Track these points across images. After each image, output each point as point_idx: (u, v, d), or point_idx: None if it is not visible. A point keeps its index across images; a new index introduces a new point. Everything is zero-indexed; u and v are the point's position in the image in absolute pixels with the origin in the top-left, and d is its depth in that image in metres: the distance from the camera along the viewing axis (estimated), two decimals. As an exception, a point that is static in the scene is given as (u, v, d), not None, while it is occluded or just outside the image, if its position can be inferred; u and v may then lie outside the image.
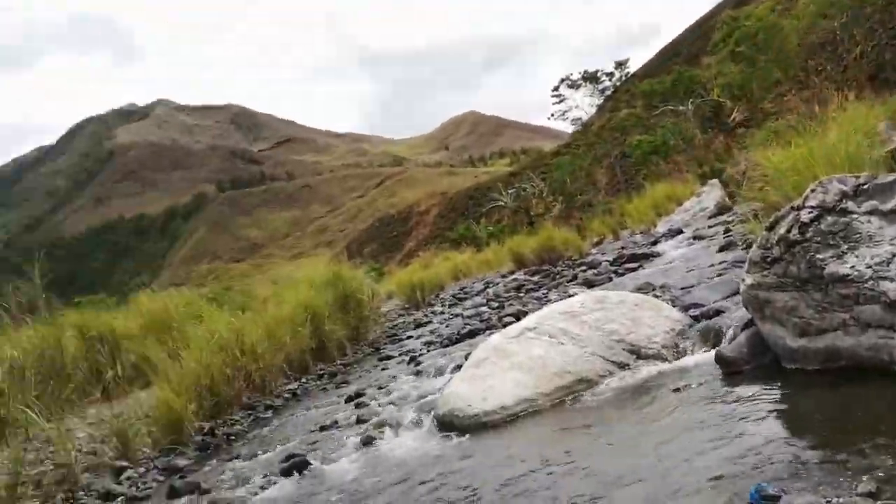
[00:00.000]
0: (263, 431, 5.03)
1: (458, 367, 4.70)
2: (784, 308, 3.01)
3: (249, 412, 5.68)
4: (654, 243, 10.72)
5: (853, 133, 4.59)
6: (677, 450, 2.51)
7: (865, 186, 2.97)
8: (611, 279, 7.61)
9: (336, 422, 4.56)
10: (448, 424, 3.72)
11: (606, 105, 57.05)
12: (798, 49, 20.52)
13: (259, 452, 4.30)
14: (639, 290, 5.41)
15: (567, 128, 65.46)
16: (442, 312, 10.31)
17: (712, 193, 13.04)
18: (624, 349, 3.92)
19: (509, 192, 37.01)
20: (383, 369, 6.48)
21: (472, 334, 6.66)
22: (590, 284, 7.54)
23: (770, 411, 2.65)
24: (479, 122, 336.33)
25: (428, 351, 6.67)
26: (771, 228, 3.16)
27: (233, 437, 5.00)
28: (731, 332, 3.56)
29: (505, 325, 5.73)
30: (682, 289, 5.31)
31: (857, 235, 2.83)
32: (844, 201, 2.94)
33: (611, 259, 9.54)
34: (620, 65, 60.19)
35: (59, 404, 4.92)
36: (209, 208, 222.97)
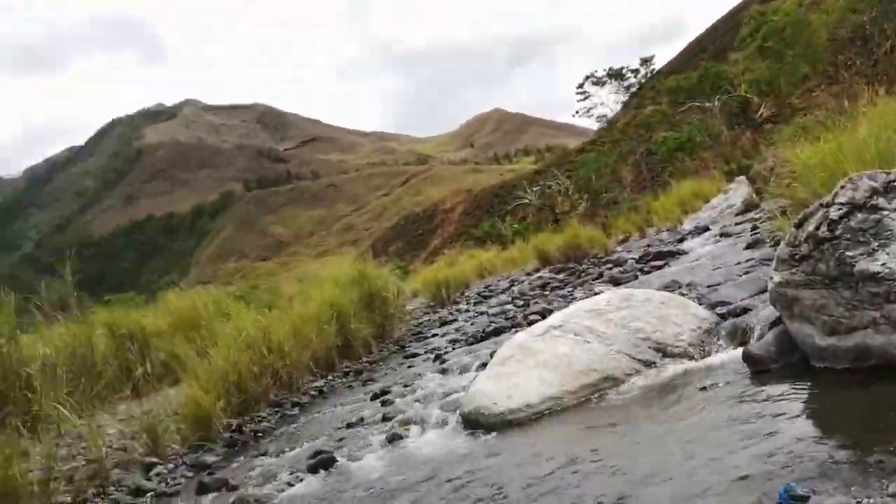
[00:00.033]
0: (290, 428, 5.06)
1: (484, 365, 4.69)
2: (813, 306, 2.98)
3: (276, 409, 5.73)
4: (681, 241, 10.65)
5: (884, 128, 4.49)
6: (704, 448, 2.49)
7: (896, 183, 2.92)
8: (637, 277, 7.58)
9: (362, 419, 4.58)
10: (474, 422, 3.72)
11: (632, 102, 56.76)
12: (827, 44, 20.25)
13: (286, 449, 4.33)
14: (665, 287, 5.37)
15: (592, 125, 65.41)
16: (467, 310, 10.31)
17: (739, 190, 12.89)
18: (650, 347, 3.90)
19: (534, 189, 36.91)
20: (409, 367, 6.49)
21: (498, 332, 6.65)
22: (616, 282, 7.50)
23: (799, 410, 2.62)
24: (504, 119, 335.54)
25: (453, 349, 6.66)
26: (799, 226, 3.12)
27: (260, 434, 5.04)
28: (758, 330, 3.52)
29: (530, 323, 5.72)
30: (709, 287, 5.26)
31: (888, 232, 2.78)
32: (875, 198, 2.90)
33: (637, 257, 9.49)
34: (646, 61, 59.94)
35: (90, 401, 4.98)
36: (236, 207, 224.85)
